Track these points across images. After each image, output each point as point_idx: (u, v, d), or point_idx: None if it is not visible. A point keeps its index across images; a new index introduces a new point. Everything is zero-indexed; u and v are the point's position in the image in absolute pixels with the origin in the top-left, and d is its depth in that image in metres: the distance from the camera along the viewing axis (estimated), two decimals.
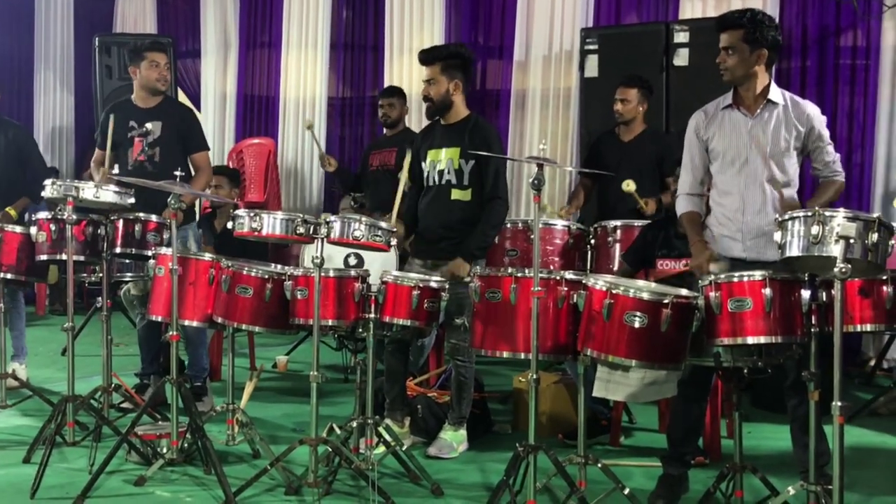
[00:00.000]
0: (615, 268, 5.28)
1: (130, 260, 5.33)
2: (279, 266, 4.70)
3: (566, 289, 3.74)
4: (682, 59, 6.80)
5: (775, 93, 4.14)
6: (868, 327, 3.78)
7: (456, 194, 4.95)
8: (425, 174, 5.07)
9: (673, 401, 4.38)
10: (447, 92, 4.95)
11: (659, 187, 5.82)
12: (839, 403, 3.13)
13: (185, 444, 4.37)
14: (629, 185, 5.55)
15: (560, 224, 5.54)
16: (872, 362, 6.81)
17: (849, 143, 7.09)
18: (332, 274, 4.27)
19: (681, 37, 6.81)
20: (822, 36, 7.05)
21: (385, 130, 7.14)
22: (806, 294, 3.51)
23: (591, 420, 4.90)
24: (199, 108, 9.94)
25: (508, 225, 5.40)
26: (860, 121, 7.05)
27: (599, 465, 3.90)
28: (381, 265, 5.26)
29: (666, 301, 3.52)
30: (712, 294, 3.55)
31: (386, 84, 8.59)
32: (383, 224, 4.21)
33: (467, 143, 4.89)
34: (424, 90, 5.01)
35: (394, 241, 4.83)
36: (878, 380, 6.57)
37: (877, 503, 4.20)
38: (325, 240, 4.08)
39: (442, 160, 4.98)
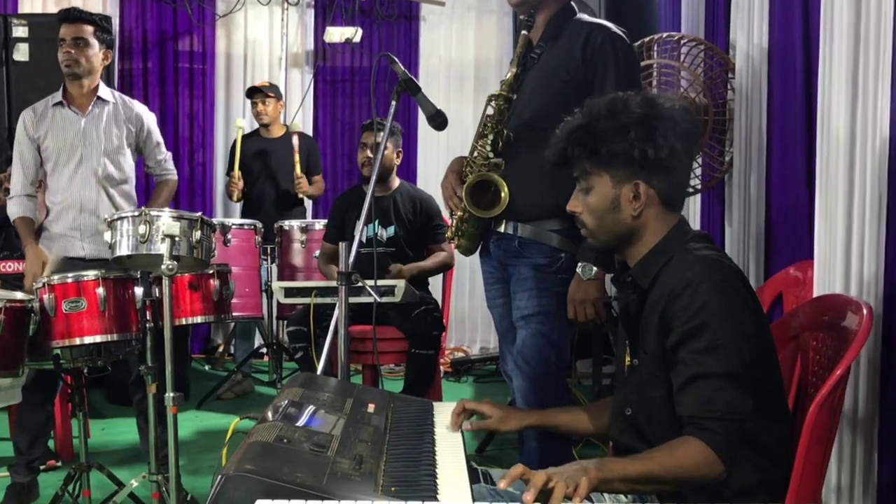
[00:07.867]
0: None
1: None
2: None
3: None
4: (21, 53, 6.58)
5: (105, 91, 4.25)
6: (198, 319, 4.01)
7: None
8: None
9: (18, 407, 4.27)
10: None
11: None
12: (172, 394, 3.34)
13: None
14: None
15: None
16: (221, 348, 7.26)
17: (190, 142, 7.40)
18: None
19: (20, 31, 6.58)
20: (162, 40, 7.28)
21: None
22: (139, 291, 3.65)
23: None
24: None
25: None
26: (200, 122, 7.41)
27: None
28: None
29: None
30: (46, 296, 3.53)
31: None
32: None
33: None
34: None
35: None
36: (226, 365, 7.01)
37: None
38: None
39: None
